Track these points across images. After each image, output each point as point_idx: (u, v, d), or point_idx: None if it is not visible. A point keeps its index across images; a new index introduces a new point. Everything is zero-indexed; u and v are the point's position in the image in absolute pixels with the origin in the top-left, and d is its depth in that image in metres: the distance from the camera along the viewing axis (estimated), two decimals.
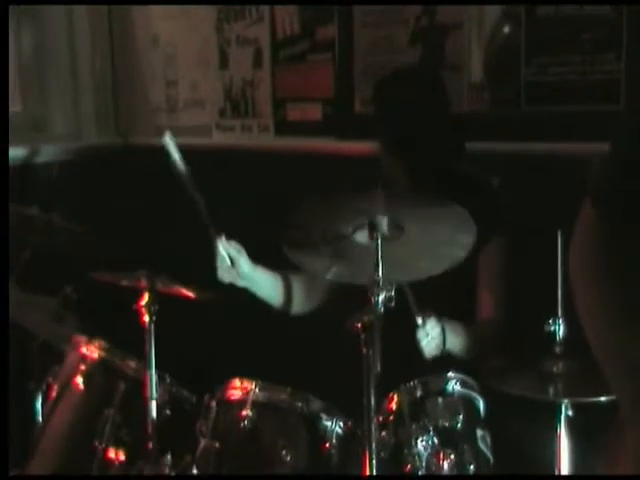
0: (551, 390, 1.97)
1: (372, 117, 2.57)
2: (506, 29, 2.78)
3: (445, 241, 1.99)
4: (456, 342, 2.23)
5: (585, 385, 1.99)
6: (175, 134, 3.67)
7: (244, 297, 2.89)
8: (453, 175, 2.46)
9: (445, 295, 2.17)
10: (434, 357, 2.15)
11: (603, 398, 1.91)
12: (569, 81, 2.67)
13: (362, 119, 3.13)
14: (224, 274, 2.35)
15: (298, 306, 2.57)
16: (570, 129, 2.68)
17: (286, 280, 2.53)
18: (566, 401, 2.01)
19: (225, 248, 2.36)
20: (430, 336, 2.12)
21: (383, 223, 1.90)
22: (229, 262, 2.35)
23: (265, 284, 2.47)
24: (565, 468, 2.02)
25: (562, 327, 2.04)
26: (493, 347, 2.32)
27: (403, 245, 1.95)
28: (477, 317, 2.40)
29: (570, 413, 2.01)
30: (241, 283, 2.38)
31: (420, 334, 2.11)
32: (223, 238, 2.37)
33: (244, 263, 2.36)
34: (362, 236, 1.96)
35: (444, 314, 2.21)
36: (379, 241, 1.88)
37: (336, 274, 1.98)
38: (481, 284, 2.40)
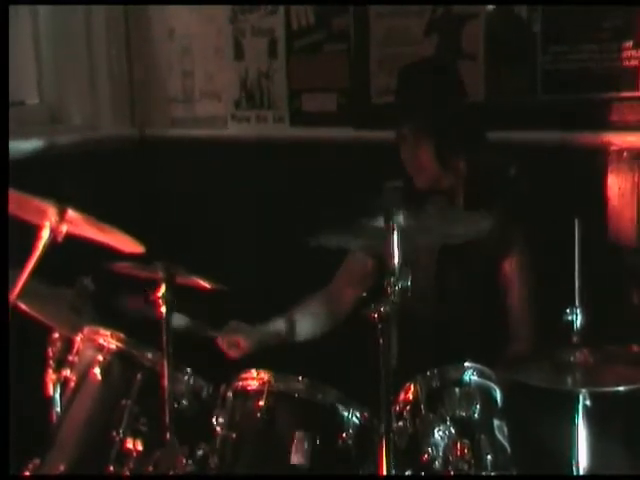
0: (569, 380, 1.96)
1: (396, 105, 2.56)
2: (523, 17, 2.77)
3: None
4: None
5: (603, 375, 1.97)
6: (191, 125, 3.73)
7: (260, 288, 2.90)
8: (480, 163, 2.46)
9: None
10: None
11: (621, 388, 1.90)
12: (586, 69, 2.66)
13: (378, 109, 3.13)
14: (234, 354, 2.43)
15: (307, 336, 2.61)
16: (587, 117, 2.67)
17: (291, 320, 2.57)
18: (584, 391, 2.00)
19: (225, 338, 2.43)
20: None
21: (399, 216, 1.89)
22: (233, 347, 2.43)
23: (273, 335, 2.53)
24: (583, 458, 2.01)
25: (580, 316, 2.03)
26: None
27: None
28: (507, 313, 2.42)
29: (588, 403, 2.00)
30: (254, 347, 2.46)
31: None
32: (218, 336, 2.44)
33: (247, 336, 2.44)
34: (380, 221, 1.95)
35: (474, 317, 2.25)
36: (395, 232, 1.88)
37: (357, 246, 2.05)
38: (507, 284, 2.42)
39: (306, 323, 2.60)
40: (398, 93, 2.56)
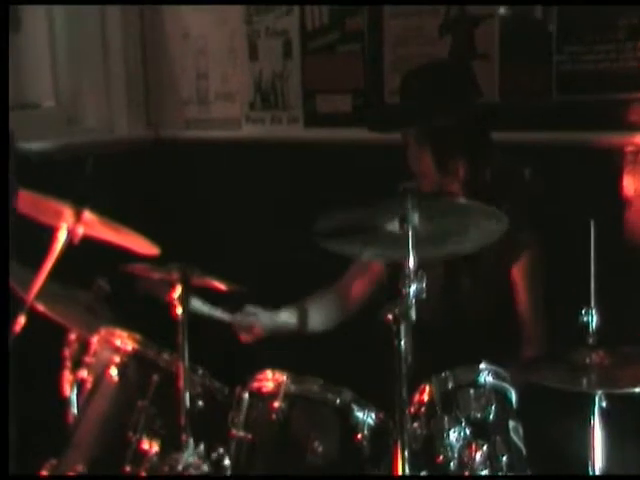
0: (584, 381, 1.95)
1: (402, 109, 2.57)
2: (538, 16, 2.76)
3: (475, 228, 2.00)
4: None
5: (619, 376, 1.97)
6: (205, 126, 3.74)
7: (274, 288, 2.91)
8: (485, 166, 2.45)
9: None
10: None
11: (637, 389, 1.90)
12: (602, 69, 2.65)
13: (392, 107, 3.13)
14: (247, 338, 2.48)
15: (318, 327, 2.64)
16: (603, 118, 2.66)
17: (302, 309, 2.61)
18: (600, 392, 1.99)
19: (240, 321, 2.47)
20: None
21: (414, 217, 1.90)
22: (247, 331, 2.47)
23: (285, 323, 2.57)
24: (599, 460, 2.01)
25: (595, 317, 2.03)
26: None
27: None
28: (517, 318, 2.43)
29: (604, 404, 1.99)
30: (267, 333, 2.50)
31: None
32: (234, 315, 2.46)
33: (264, 320, 2.49)
34: (394, 226, 1.96)
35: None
36: (410, 233, 1.88)
37: (369, 256, 2.07)
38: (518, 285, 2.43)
39: (316, 315, 2.63)
40: (401, 98, 2.58)
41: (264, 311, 2.52)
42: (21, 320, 2.19)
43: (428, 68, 2.57)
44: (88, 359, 2.37)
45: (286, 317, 2.57)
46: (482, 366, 2.11)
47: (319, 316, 2.64)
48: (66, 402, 2.40)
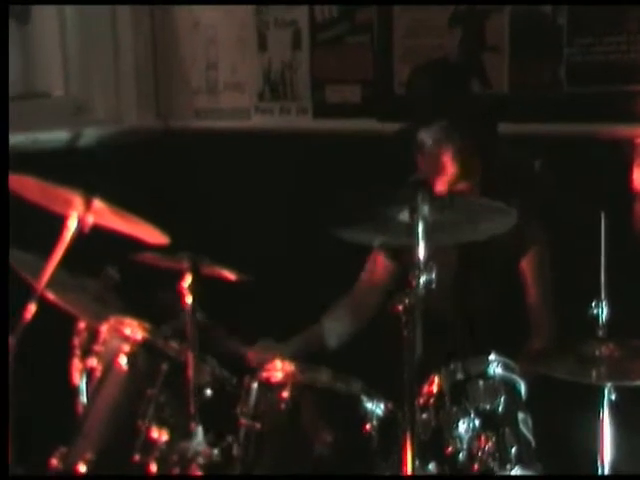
0: (594, 373, 1.95)
1: (413, 101, 2.56)
2: (548, 9, 2.75)
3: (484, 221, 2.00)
4: None
5: (628, 368, 1.97)
6: (215, 117, 3.73)
7: (283, 278, 2.91)
8: (494, 160, 2.45)
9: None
10: None
11: None
12: (612, 61, 2.64)
13: (401, 101, 3.12)
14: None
15: (334, 343, 2.62)
16: (613, 110, 2.65)
17: (318, 331, 2.59)
18: (609, 384, 1.99)
19: (253, 358, 2.40)
20: None
21: (424, 208, 1.89)
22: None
23: (299, 351, 2.50)
24: (608, 452, 2.01)
25: (605, 310, 2.03)
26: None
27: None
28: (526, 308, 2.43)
29: (613, 397, 1.99)
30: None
31: None
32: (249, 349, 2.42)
33: (277, 354, 2.36)
34: (404, 215, 1.95)
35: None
36: (420, 224, 1.88)
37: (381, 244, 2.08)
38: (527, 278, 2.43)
39: (334, 331, 2.62)
40: (410, 96, 2.57)
41: (279, 344, 2.49)
42: (31, 308, 2.20)
43: (438, 63, 2.56)
44: (97, 348, 2.37)
45: (299, 345, 2.54)
46: (491, 357, 2.11)
47: (336, 333, 2.62)
48: (75, 391, 2.41)
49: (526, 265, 2.43)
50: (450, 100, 2.43)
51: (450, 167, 2.40)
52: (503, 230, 2.01)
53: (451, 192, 2.39)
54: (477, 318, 2.45)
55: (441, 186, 2.42)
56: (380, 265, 2.63)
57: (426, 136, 2.42)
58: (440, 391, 2.09)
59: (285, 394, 2.10)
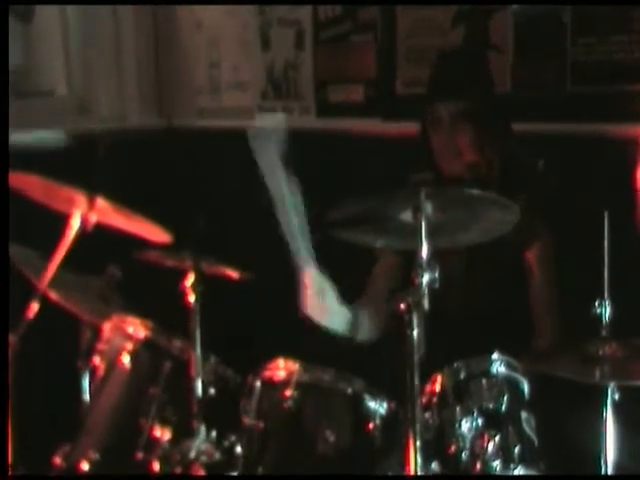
0: (597, 373, 1.95)
1: (433, 89, 2.53)
2: (552, 8, 2.75)
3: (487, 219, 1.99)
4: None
5: (632, 368, 1.96)
6: (217, 116, 3.73)
7: (288, 278, 2.90)
8: (499, 158, 2.44)
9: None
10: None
11: None
12: (616, 60, 2.64)
13: (404, 100, 3.12)
14: (313, 310, 2.21)
15: (363, 336, 2.46)
16: (617, 109, 2.65)
17: (355, 314, 2.42)
18: (612, 384, 1.99)
19: (319, 282, 2.21)
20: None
21: (427, 207, 1.89)
22: (320, 297, 2.21)
23: (341, 320, 2.34)
24: (611, 452, 2.00)
25: (608, 309, 2.02)
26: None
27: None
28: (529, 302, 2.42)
29: (616, 396, 1.99)
30: (323, 320, 2.24)
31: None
32: (316, 270, 2.21)
33: (334, 300, 2.26)
34: (407, 215, 1.95)
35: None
36: (423, 223, 1.87)
37: (383, 245, 2.07)
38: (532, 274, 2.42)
39: (365, 322, 2.46)
40: (435, 77, 2.51)
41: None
42: (34, 307, 2.20)
43: (467, 49, 2.53)
44: (100, 346, 2.38)
45: (345, 312, 2.35)
46: (494, 356, 2.10)
47: (366, 325, 2.44)
48: (78, 389, 2.41)
49: (530, 262, 2.42)
50: (473, 80, 2.41)
51: (466, 149, 2.37)
52: (507, 229, 2.00)
53: (463, 177, 2.36)
54: (481, 317, 2.44)
55: (454, 170, 2.37)
56: (387, 265, 2.60)
57: (444, 110, 2.36)
58: (443, 390, 2.08)
59: (288, 393, 2.10)
